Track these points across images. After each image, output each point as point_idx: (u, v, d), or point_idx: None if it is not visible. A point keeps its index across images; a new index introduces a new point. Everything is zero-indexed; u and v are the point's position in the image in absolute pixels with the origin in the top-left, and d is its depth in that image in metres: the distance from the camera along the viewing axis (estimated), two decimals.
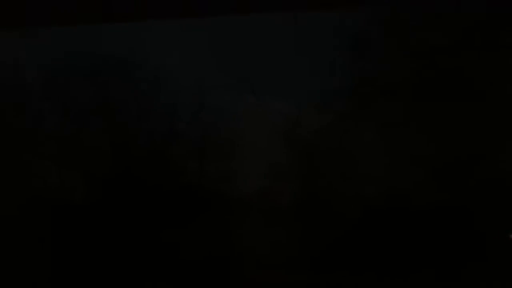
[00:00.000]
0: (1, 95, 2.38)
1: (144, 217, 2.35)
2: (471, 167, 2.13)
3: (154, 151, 2.41)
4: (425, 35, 2.28)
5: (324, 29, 2.36)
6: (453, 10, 2.16)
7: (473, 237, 2.08)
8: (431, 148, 2.20)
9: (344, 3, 1.89)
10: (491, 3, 2.03)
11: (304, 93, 2.47)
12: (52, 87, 2.34)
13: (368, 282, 2.08)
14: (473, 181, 2.13)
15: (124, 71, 2.40)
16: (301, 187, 2.45)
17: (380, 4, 2.08)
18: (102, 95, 2.37)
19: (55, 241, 2.27)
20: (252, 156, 2.48)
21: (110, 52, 2.33)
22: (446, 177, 2.14)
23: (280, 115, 2.51)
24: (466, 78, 2.22)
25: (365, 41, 2.38)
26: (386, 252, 2.13)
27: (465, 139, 2.17)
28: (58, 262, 2.28)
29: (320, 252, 2.21)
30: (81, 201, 2.36)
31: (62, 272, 2.25)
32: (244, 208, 2.46)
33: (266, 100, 2.54)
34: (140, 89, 2.40)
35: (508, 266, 2.01)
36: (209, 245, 2.35)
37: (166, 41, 2.35)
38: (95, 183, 2.39)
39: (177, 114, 2.46)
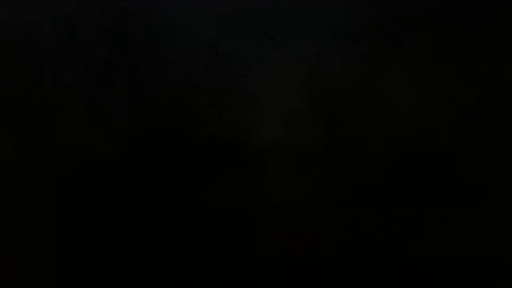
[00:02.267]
0: (21, 56, 2.33)
1: (167, 169, 2.35)
2: (498, 103, 2.08)
3: (173, 103, 2.38)
4: None
5: None
6: None
7: (502, 173, 2.06)
8: (458, 85, 2.15)
9: None
10: None
11: (324, 35, 2.39)
12: (70, 44, 2.28)
13: (395, 220, 2.09)
14: (501, 117, 2.09)
15: (140, 22, 2.33)
16: (323, 132, 2.42)
17: None
18: (121, 48, 2.32)
19: (84, 195, 2.28)
20: (272, 103, 2.44)
21: (127, 2, 2.26)
22: (475, 114, 2.10)
23: (299, 60, 2.45)
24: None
25: None
26: (414, 192, 2.12)
27: (493, 74, 2.11)
28: (85, 213, 2.29)
29: (345, 193, 2.22)
30: (106, 156, 2.35)
31: (88, 222, 2.27)
32: (266, 156, 2.44)
33: (285, 45, 2.47)
34: (157, 40, 2.34)
35: None
36: (233, 193, 2.35)
37: None
38: (118, 138, 2.37)
39: (194, 64, 2.41)
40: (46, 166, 2.27)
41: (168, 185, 2.33)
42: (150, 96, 2.28)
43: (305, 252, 2.08)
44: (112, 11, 2.18)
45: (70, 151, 2.26)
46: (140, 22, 2.25)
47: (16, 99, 2.30)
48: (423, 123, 2.13)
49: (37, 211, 2.24)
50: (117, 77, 2.25)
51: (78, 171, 2.29)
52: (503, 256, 1.90)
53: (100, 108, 2.24)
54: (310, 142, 2.45)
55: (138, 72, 2.24)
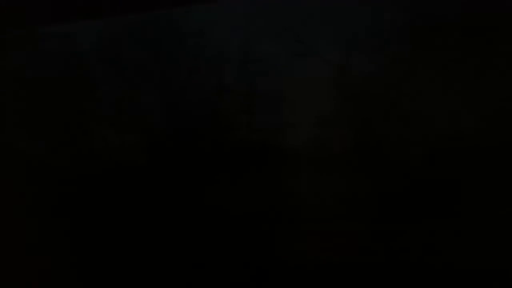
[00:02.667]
0: (57, 63, 2.43)
1: (198, 174, 2.39)
2: None
3: (204, 107, 2.42)
4: None
5: None
6: None
7: None
8: (490, 88, 2.08)
9: None
10: None
11: (354, 37, 2.37)
12: (103, 51, 2.36)
13: (430, 229, 2.04)
14: None
15: (170, 27, 2.38)
16: (354, 135, 2.40)
17: None
18: (152, 53, 2.38)
19: (118, 201, 2.35)
20: (303, 106, 2.43)
21: (157, 8, 2.31)
22: (508, 116, 2.03)
23: (329, 62, 2.44)
24: None
25: None
26: (447, 196, 2.07)
27: None
28: (117, 217, 2.36)
29: (378, 200, 2.18)
30: (138, 159, 2.42)
31: (120, 226, 2.34)
32: (296, 160, 2.44)
33: (314, 48, 2.46)
34: (187, 44, 2.38)
35: None
36: (263, 199, 2.36)
37: None
38: (149, 141, 2.43)
39: (224, 67, 2.43)
40: (79, 169, 2.35)
41: (200, 187, 2.37)
42: (181, 99, 2.33)
43: (334, 262, 2.06)
44: (142, 17, 2.24)
45: (103, 154, 2.33)
46: (170, 27, 2.30)
47: (51, 104, 2.40)
48: (456, 126, 2.07)
49: (68, 216, 2.32)
50: (148, 82, 2.30)
51: (110, 174, 2.36)
52: None
53: (132, 112, 2.30)
54: (340, 145, 2.43)
55: (169, 76, 2.29)
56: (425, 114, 2.22)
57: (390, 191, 2.18)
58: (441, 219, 2.04)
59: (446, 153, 2.12)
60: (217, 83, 2.45)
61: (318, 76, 2.42)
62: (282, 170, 2.40)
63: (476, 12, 2.11)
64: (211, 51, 2.43)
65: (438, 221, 2.04)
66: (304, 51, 2.42)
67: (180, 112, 2.44)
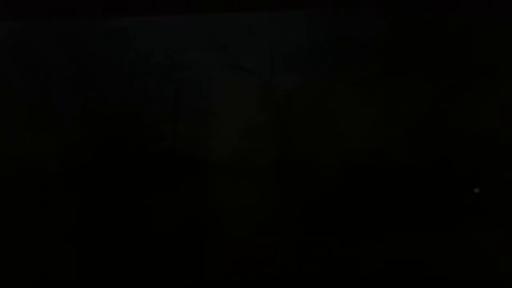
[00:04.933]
0: None
1: (121, 182, 2.31)
2: (444, 124, 2.18)
3: (127, 114, 2.35)
4: None
5: None
6: None
7: (447, 193, 2.15)
8: (406, 106, 2.24)
9: None
10: None
11: (279, 53, 2.44)
12: (19, 51, 2.22)
13: (348, 240, 2.13)
14: (445, 138, 2.18)
15: (93, 30, 2.30)
16: (277, 148, 2.45)
17: None
18: (72, 56, 2.27)
19: (30, 207, 2.21)
20: (227, 117, 2.45)
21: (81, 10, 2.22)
22: (420, 135, 2.19)
23: (254, 75, 2.49)
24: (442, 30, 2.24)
25: None
26: (365, 209, 2.18)
27: (438, 96, 2.21)
28: (30, 230, 2.21)
29: (300, 212, 2.24)
30: (55, 167, 2.29)
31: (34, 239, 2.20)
32: (221, 171, 2.44)
33: (240, 60, 2.50)
34: (111, 49, 2.32)
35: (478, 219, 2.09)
36: (186, 208, 2.33)
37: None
38: (68, 148, 2.32)
39: (149, 75, 2.39)
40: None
41: (120, 198, 2.29)
42: (103, 105, 2.24)
43: (256, 275, 2.07)
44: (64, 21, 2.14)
45: (17, 161, 2.18)
46: (93, 30, 2.22)
47: None
48: (373, 141, 2.20)
49: None
50: (68, 86, 2.20)
51: (22, 181, 2.21)
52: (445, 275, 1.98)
53: (49, 117, 2.18)
54: (264, 157, 2.48)
55: (90, 81, 2.20)
56: (343, 129, 2.33)
57: (309, 203, 2.25)
58: (358, 230, 2.15)
59: (362, 166, 2.25)
60: (142, 90, 2.40)
61: (243, 88, 2.46)
62: (206, 181, 2.39)
63: (396, 30, 2.27)
64: (137, 58, 2.38)
65: (356, 232, 2.15)
66: (230, 62, 2.45)
67: (101, 118, 2.36)
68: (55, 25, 2.30)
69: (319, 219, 2.19)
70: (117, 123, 2.35)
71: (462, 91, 2.18)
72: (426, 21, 2.25)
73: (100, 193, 2.29)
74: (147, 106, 2.41)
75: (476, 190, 2.14)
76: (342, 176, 2.25)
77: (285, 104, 2.45)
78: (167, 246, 2.23)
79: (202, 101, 2.45)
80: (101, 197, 2.28)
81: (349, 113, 2.31)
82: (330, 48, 2.39)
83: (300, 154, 2.40)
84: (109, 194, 2.29)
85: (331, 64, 2.40)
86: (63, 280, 2.18)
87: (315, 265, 2.12)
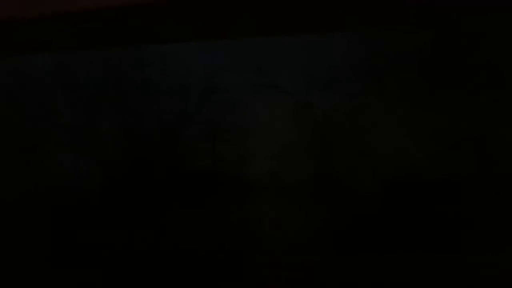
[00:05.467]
0: (11, 87, 2.35)
1: (158, 202, 2.34)
2: (485, 139, 2.13)
3: (165, 135, 2.40)
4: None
5: None
6: None
7: (488, 210, 2.08)
8: (445, 122, 2.20)
9: None
10: None
11: (314, 73, 2.45)
12: (63, 75, 2.31)
13: (389, 261, 2.08)
14: (488, 154, 2.12)
15: (132, 54, 2.37)
16: (314, 167, 2.44)
17: None
18: (113, 80, 2.35)
19: (73, 225, 2.26)
20: (264, 137, 2.46)
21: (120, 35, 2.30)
22: (462, 151, 2.14)
23: (290, 95, 2.50)
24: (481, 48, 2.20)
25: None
26: (406, 228, 2.13)
27: (479, 112, 2.16)
28: (72, 247, 2.26)
29: (338, 232, 2.21)
30: (95, 186, 2.35)
31: (75, 255, 2.24)
32: (258, 190, 2.45)
33: (276, 81, 2.52)
34: (150, 72, 2.38)
35: None
36: (223, 229, 2.34)
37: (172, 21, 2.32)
38: (108, 168, 2.37)
39: (186, 96, 2.44)
40: (33, 195, 2.25)
41: (158, 217, 2.32)
42: (142, 127, 2.30)
43: None
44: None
45: (59, 180, 2.25)
46: (132, 54, 2.29)
47: (7, 127, 2.31)
48: (411, 159, 2.16)
49: (20, 244, 2.21)
50: (109, 109, 2.26)
51: (66, 200, 2.27)
52: None
53: (91, 138, 2.24)
54: (301, 175, 2.47)
55: (130, 103, 2.26)
56: (380, 148, 2.30)
57: (347, 223, 2.22)
58: (396, 252, 2.10)
59: (400, 186, 2.20)
60: (179, 111, 2.44)
61: (278, 108, 2.47)
62: (244, 200, 2.40)
63: (434, 45, 2.25)
64: (174, 79, 2.43)
65: (394, 254, 2.10)
66: (266, 83, 2.47)
67: (140, 139, 2.41)
68: (96, 55, 2.39)
69: (357, 239, 2.15)
70: (156, 144, 2.40)
71: (505, 106, 2.12)
72: (465, 34, 2.22)
73: (138, 212, 2.32)
74: (185, 127, 2.45)
75: None
76: (381, 195, 2.21)
77: (322, 123, 2.45)
78: (203, 264, 2.24)
79: (239, 121, 2.47)
80: (138, 215, 2.31)
81: (387, 130, 2.28)
82: (367, 66, 2.39)
83: (338, 173, 2.38)
84: (147, 212, 2.32)
85: (368, 82, 2.39)
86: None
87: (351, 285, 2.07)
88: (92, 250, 2.27)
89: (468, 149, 2.14)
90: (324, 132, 2.44)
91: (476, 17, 2.09)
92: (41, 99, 2.32)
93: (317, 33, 2.14)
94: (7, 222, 2.29)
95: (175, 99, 2.43)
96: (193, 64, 2.42)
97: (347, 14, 1.86)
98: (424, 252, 2.05)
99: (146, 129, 2.39)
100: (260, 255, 2.24)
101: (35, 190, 2.30)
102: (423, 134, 2.22)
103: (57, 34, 1.77)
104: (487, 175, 2.09)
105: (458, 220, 2.06)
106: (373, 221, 2.17)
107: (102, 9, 1.61)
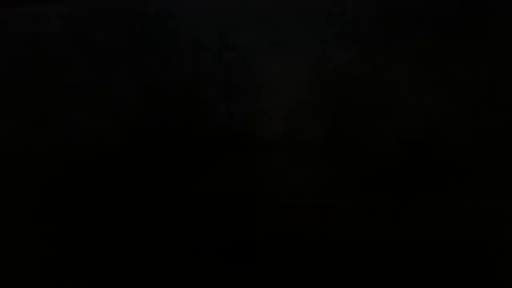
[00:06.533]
0: (27, 47, 2.34)
1: (176, 160, 2.38)
2: (502, 97, 2.12)
3: (181, 93, 2.40)
4: None
5: None
6: None
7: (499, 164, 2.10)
8: (466, 78, 2.18)
9: None
10: None
11: (330, 29, 2.41)
12: (77, 35, 2.28)
13: (403, 205, 2.13)
14: (504, 111, 2.12)
15: (146, 12, 2.34)
16: (330, 123, 2.45)
17: None
18: (127, 37, 2.33)
19: (91, 184, 2.31)
20: (280, 94, 2.46)
21: None
22: (482, 106, 2.13)
23: (306, 52, 2.47)
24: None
25: None
26: (421, 179, 2.16)
27: (501, 67, 2.14)
28: (91, 204, 2.32)
29: (353, 181, 2.25)
30: (113, 144, 2.38)
31: (95, 212, 2.30)
32: (274, 147, 2.47)
33: (290, 37, 2.49)
34: (164, 29, 2.35)
35: None
36: (240, 184, 2.38)
37: None
38: (125, 126, 2.39)
39: (201, 55, 2.42)
40: (52, 154, 2.29)
41: (176, 173, 2.36)
42: (157, 85, 2.30)
43: (308, 234, 2.12)
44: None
45: (77, 139, 2.28)
46: (146, 12, 2.26)
47: (24, 87, 2.32)
48: (429, 116, 2.16)
49: (40, 201, 2.26)
50: (124, 67, 2.26)
51: (84, 159, 2.31)
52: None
53: (107, 97, 2.25)
54: (316, 133, 2.49)
55: (145, 61, 2.25)
56: (396, 106, 2.30)
57: (361, 173, 2.27)
58: (412, 199, 2.15)
59: (416, 142, 2.22)
60: (194, 70, 2.44)
61: (293, 65, 2.46)
62: (259, 158, 2.43)
63: (449, 6, 2.21)
64: (188, 37, 2.41)
65: (409, 200, 2.15)
66: (282, 40, 2.45)
67: (156, 98, 2.42)
68: (109, 7, 2.36)
69: (367, 187, 2.21)
70: (171, 103, 2.41)
71: None
72: None
73: (154, 170, 2.36)
74: (200, 85, 2.44)
75: None
76: (395, 150, 2.24)
77: (337, 80, 2.44)
78: (228, 206, 2.31)
79: (254, 79, 2.46)
80: (154, 173, 2.36)
81: (403, 87, 2.27)
82: (383, 22, 2.35)
83: (352, 130, 2.39)
84: (162, 170, 2.36)
85: (384, 38, 2.36)
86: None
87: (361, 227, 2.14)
88: (110, 205, 2.33)
89: (482, 107, 2.14)
90: (339, 89, 2.44)
91: None
92: (56, 60, 2.32)
93: None
94: (27, 184, 2.34)
95: (190, 57, 2.42)
96: (207, 21, 2.39)
97: None
98: (433, 198, 2.10)
99: (161, 87, 2.39)
100: (277, 198, 2.31)
101: (54, 149, 2.34)
102: (440, 91, 2.22)
103: None
104: (500, 133, 2.11)
105: (470, 170, 2.09)
106: (386, 172, 2.21)
107: None
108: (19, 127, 2.36)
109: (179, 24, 2.37)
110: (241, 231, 2.21)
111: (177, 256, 2.22)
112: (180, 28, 2.38)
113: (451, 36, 2.24)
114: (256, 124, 2.48)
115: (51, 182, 2.31)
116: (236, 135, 2.47)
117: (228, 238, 2.17)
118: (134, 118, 2.40)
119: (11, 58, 2.37)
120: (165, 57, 2.38)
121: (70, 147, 2.33)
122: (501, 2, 2.13)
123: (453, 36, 2.23)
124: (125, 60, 2.37)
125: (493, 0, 2.16)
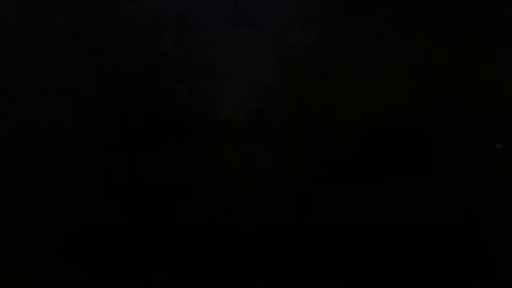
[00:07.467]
0: None
1: (134, 143, 2.32)
2: (462, 74, 2.14)
3: (141, 75, 2.34)
4: None
5: None
6: None
7: (468, 145, 2.14)
8: (421, 58, 2.20)
9: None
10: None
11: (291, 10, 2.38)
12: (31, 16, 2.17)
13: (366, 190, 2.14)
14: (465, 88, 2.15)
15: None
16: (293, 105, 2.43)
17: None
18: (84, 18, 2.23)
19: (46, 167, 2.23)
20: (241, 76, 2.43)
21: None
22: (438, 86, 2.16)
23: (268, 33, 2.44)
24: None
25: None
26: (383, 162, 2.17)
27: (454, 46, 2.16)
28: (47, 185, 2.24)
29: (317, 165, 2.25)
30: (69, 127, 2.30)
31: (49, 194, 2.23)
32: (236, 131, 2.44)
33: (252, 18, 2.45)
34: (124, 10, 2.27)
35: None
36: (202, 168, 2.35)
37: None
38: (81, 111, 2.32)
39: (161, 35, 2.36)
40: (5, 138, 2.20)
41: (135, 157, 2.31)
42: (116, 66, 2.23)
43: (271, 224, 2.10)
44: None
45: (32, 123, 2.20)
46: None
47: None
48: (388, 94, 2.17)
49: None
50: (80, 48, 2.18)
51: (40, 142, 2.23)
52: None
53: (64, 79, 2.17)
54: (279, 115, 2.47)
55: (104, 42, 2.18)
56: (357, 85, 2.30)
57: (324, 157, 2.26)
58: (373, 182, 2.16)
59: (376, 122, 2.23)
60: (154, 51, 2.37)
61: (256, 47, 2.42)
62: (220, 141, 2.39)
63: None
64: (146, 18, 2.34)
65: (370, 183, 2.16)
66: (244, 21, 2.41)
67: (113, 81, 2.34)
68: None
69: (331, 170, 2.20)
70: (130, 86, 2.34)
71: (481, 42, 2.13)
72: None
73: (114, 154, 2.31)
74: (160, 66, 2.39)
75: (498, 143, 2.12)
76: (360, 131, 2.24)
77: (300, 61, 2.42)
78: (189, 196, 2.26)
79: (216, 61, 2.42)
80: (113, 158, 2.30)
81: (366, 68, 2.27)
82: (346, 3, 2.34)
83: (314, 111, 2.38)
84: (122, 154, 2.31)
85: (346, 20, 2.34)
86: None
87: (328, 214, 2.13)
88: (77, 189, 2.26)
89: (445, 87, 2.16)
90: (302, 71, 2.42)
91: None
92: (7, 41, 2.21)
93: None
94: None
95: (149, 39, 2.35)
96: (166, 2, 2.32)
97: None
98: (401, 179, 2.11)
99: (121, 69, 2.32)
100: (242, 187, 2.27)
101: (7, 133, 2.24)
102: (402, 71, 2.22)
103: None
104: (463, 111, 2.13)
105: (434, 150, 2.11)
106: (354, 154, 2.21)
107: None
108: None
109: (138, 5, 2.30)
110: (196, 219, 2.17)
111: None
112: (139, 9, 2.31)
113: (415, 18, 2.24)
114: (216, 106, 2.44)
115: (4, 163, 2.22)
116: (196, 116, 2.42)
117: (182, 226, 2.13)
118: (90, 100, 2.33)
119: None
120: (123, 39, 2.31)
121: (21, 130, 2.24)
122: None
123: (418, 19, 2.24)
124: (81, 41, 2.29)
125: None
